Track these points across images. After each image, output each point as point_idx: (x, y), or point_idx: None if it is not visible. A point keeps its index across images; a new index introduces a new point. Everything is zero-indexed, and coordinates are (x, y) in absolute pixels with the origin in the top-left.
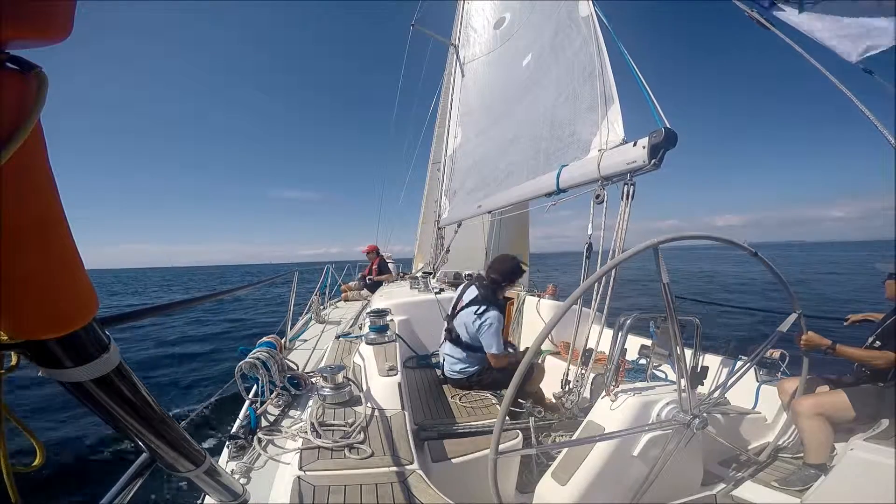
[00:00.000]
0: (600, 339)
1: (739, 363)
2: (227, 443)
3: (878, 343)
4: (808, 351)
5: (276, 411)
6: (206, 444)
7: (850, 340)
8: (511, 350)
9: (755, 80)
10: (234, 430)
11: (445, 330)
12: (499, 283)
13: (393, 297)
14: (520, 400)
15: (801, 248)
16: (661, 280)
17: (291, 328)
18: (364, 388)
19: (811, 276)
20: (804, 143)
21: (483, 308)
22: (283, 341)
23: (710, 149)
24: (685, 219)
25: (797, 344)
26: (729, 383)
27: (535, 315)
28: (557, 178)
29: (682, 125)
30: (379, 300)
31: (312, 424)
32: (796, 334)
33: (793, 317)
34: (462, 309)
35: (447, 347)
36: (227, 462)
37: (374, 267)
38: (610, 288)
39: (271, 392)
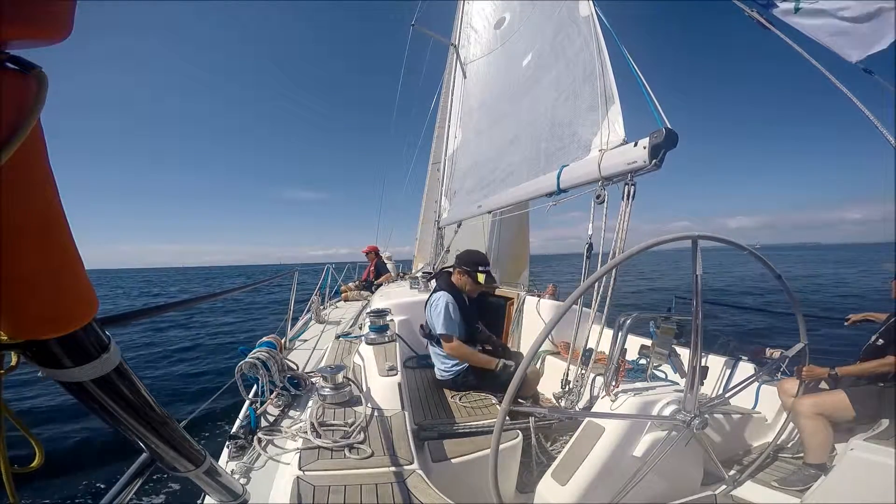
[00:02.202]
0: (600, 339)
1: (741, 363)
2: (227, 443)
3: (881, 341)
4: (809, 381)
5: (276, 411)
6: (205, 444)
7: (850, 339)
8: (488, 348)
9: (761, 80)
10: (234, 430)
11: (420, 327)
12: (451, 270)
13: (393, 297)
14: (520, 399)
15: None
16: (695, 272)
17: (291, 328)
18: (364, 388)
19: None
20: (818, 143)
21: (432, 293)
22: (283, 341)
23: (720, 150)
24: (697, 220)
25: (797, 376)
26: (729, 394)
27: (535, 315)
28: (558, 178)
29: (687, 126)
30: (379, 300)
31: (312, 424)
32: (797, 367)
33: (799, 345)
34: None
35: (430, 350)
36: (227, 462)
37: (371, 269)
38: (610, 288)
39: (271, 392)
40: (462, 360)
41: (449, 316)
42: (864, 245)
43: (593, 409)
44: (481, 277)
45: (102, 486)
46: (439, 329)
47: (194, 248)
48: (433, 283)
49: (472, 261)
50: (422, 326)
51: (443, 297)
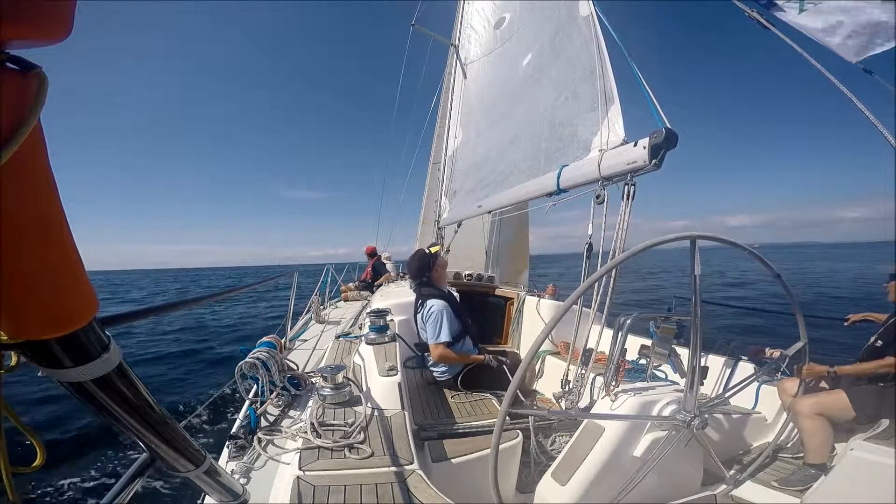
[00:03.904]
0: (600, 339)
1: (740, 363)
2: (227, 443)
3: (879, 342)
4: (809, 379)
5: (276, 411)
6: (205, 444)
7: (850, 339)
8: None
9: (762, 79)
10: (234, 430)
11: (415, 346)
12: (420, 280)
13: (393, 297)
14: (520, 398)
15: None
16: (694, 272)
17: (291, 328)
18: (364, 388)
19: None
20: (816, 142)
21: (421, 301)
22: (283, 341)
23: (720, 149)
24: (697, 219)
25: (797, 375)
26: (729, 394)
27: (535, 315)
28: (558, 178)
29: (688, 125)
30: (379, 300)
31: (312, 424)
32: (798, 364)
33: (799, 344)
34: (418, 313)
35: (428, 356)
36: (227, 462)
37: (369, 269)
38: (610, 288)
39: (271, 392)
40: (451, 364)
41: (439, 323)
42: (861, 244)
43: (593, 410)
44: (435, 249)
45: (102, 486)
46: (440, 337)
47: (193, 248)
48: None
49: (424, 262)
50: (417, 346)
51: (436, 306)
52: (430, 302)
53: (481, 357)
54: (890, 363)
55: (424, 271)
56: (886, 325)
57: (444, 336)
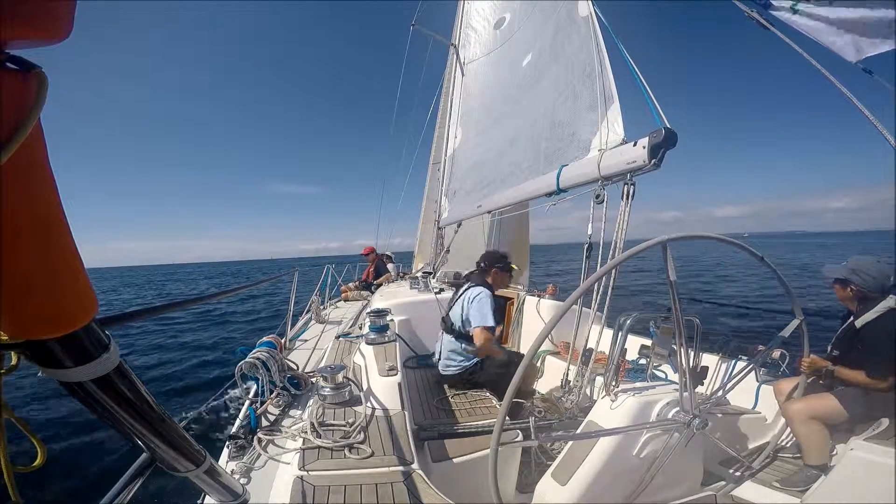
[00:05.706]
0: (600, 339)
1: (740, 363)
2: (227, 443)
3: (836, 352)
4: (810, 372)
5: (276, 411)
6: (205, 444)
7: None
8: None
9: (753, 77)
10: (234, 430)
11: (441, 321)
12: (483, 266)
13: (393, 297)
14: (520, 399)
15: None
16: (669, 278)
17: (291, 328)
18: (364, 388)
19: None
20: (803, 138)
21: (467, 285)
22: (283, 341)
23: (709, 143)
24: (686, 211)
25: (798, 367)
26: (728, 386)
27: (535, 315)
28: (558, 178)
29: (681, 119)
30: (379, 300)
31: (312, 424)
32: (798, 357)
33: (795, 322)
34: (460, 296)
35: (444, 340)
36: (227, 462)
37: (371, 270)
38: (610, 288)
39: (271, 392)
40: (484, 355)
41: (486, 306)
42: (846, 233)
43: (594, 409)
44: (512, 268)
45: (102, 485)
46: (488, 321)
47: (177, 244)
48: (432, 283)
49: (500, 258)
50: (443, 319)
51: (485, 292)
52: (478, 288)
53: (500, 351)
54: (886, 385)
55: (496, 262)
56: (838, 334)
57: (492, 320)
